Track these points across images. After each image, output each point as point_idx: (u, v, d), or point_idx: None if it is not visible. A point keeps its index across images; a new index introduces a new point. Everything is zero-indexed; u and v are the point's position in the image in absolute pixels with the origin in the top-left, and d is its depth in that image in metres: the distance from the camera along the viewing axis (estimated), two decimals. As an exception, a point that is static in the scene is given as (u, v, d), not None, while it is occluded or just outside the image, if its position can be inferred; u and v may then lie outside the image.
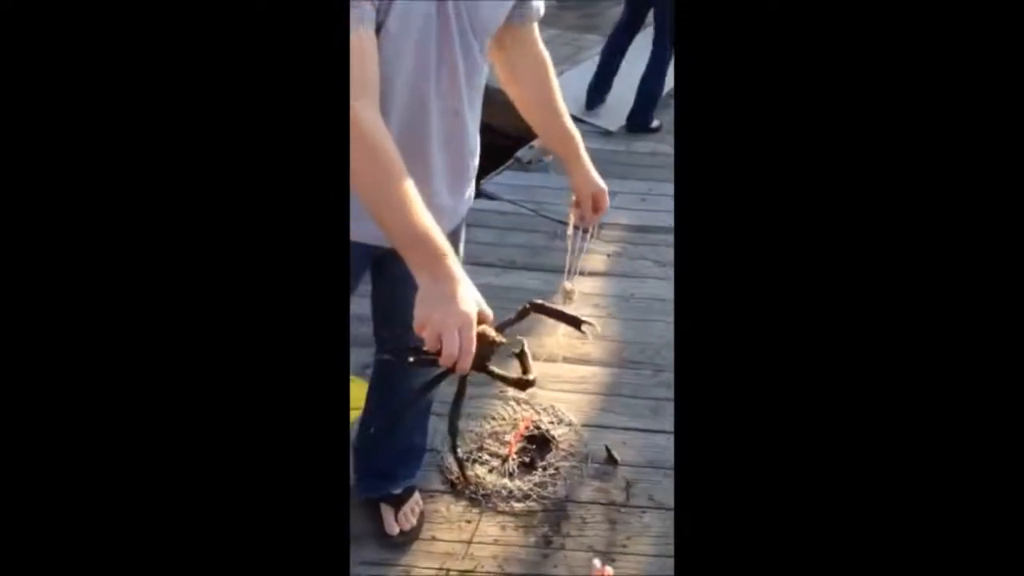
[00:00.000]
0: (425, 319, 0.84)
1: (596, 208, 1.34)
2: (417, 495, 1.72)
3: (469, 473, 1.82)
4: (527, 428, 1.96)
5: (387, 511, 1.67)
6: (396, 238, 0.88)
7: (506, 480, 1.83)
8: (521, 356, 0.94)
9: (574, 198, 1.35)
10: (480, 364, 0.87)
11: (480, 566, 1.62)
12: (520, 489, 1.80)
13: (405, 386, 1.41)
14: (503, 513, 1.75)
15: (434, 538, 1.68)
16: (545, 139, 1.41)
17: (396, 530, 1.66)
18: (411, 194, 0.89)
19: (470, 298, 0.85)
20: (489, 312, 0.89)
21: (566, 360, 2.16)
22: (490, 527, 1.72)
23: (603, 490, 1.82)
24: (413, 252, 0.86)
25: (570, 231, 1.41)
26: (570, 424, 2.00)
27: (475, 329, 0.84)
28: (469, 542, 1.68)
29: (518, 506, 1.76)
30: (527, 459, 1.89)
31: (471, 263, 2.91)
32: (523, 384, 0.90)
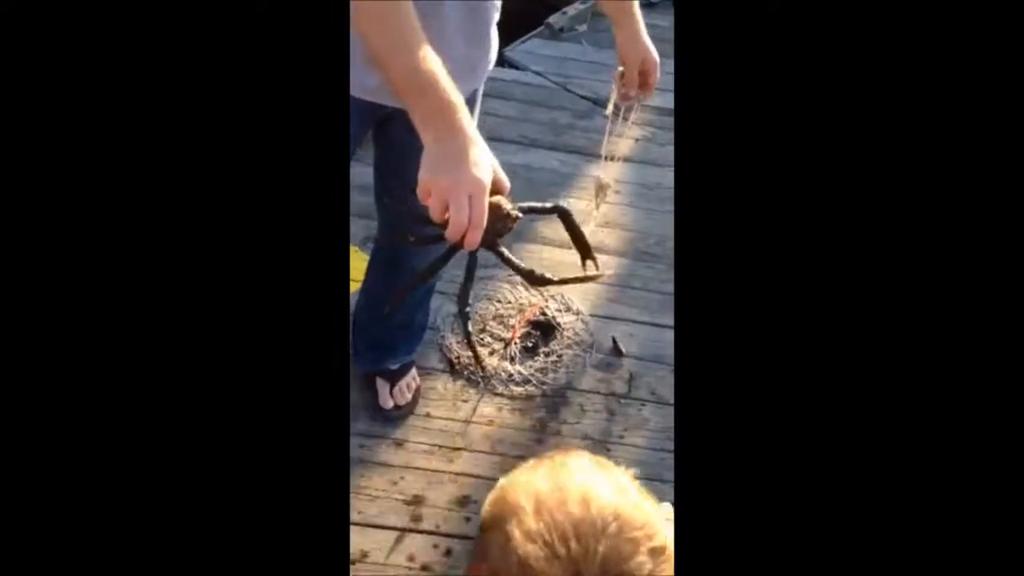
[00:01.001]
0: (430, 184, 0.76)
1: (644, 83, 1.24)
2: (414, 371, 1.73)
3: (484, 362, 1.81)
4: (533, 314, 1.94)
5: (383, 385, 1.68)
6: (398, 82, 0.79)
7: (507, 363, 1.82)
8: (565, 218, 0.84)
9: (620, 69, 1.24)
10: (492, 241, 0.79)
11: (471, 444, 1.65)
12: (520, 373, 1.80)
13: (407, 264, 1.38)
14: (501, 396, 1.76)
15: (428, 415, 1.70)
16: None
17: (391, 404, 1.67)
18: (417, 32, 0.79)
19: (484, 161, 0.77)
20: (506, 181, 0.81)
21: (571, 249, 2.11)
22: (487, 408, 1.73)
23: (605, 380, 1.82)
24: (418, 100, 0.78)
25: (610, 108, 1.29)
26: (577, 313, 1.97)
27: (487, 198, 0.75)
28: (465, 421, 1.70)
29: (517, 390, 1.77)
30: (530, 344, 1.88)
31: (488, 138, 2.80)
32: (537, 280, 0.80)
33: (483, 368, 1.78)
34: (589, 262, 0.87)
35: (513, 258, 0.81)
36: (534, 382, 1.79)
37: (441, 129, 0.78)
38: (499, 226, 0.79)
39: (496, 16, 1.18)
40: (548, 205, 0.88)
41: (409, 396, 1.70)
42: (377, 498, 1.54)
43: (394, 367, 1.69)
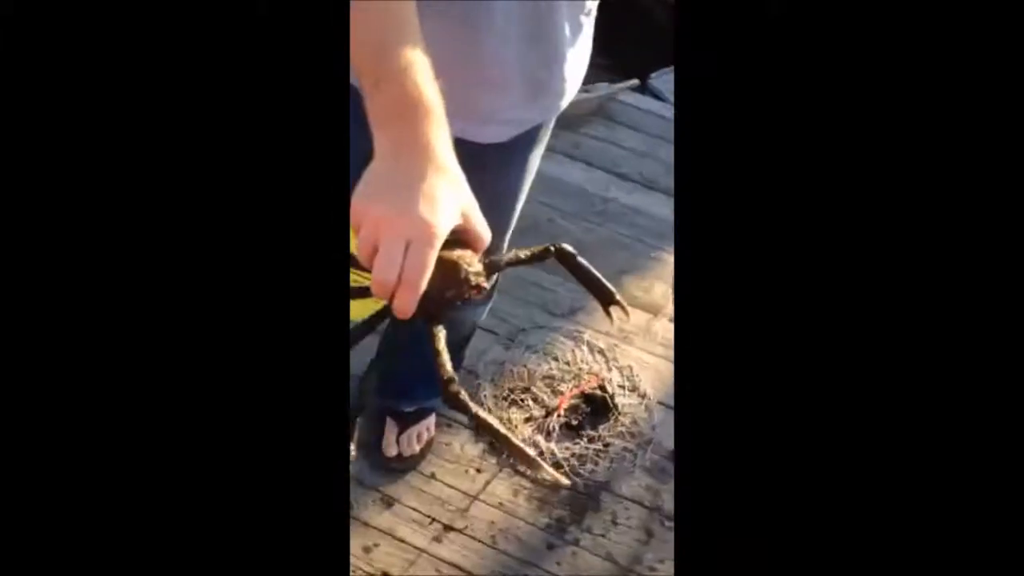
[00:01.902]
0: (360, 211, 0.55)
1: None
2: (431, 420, 1.49)
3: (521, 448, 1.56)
4: (590, 386, 1.66)
5: (391, 428, 1.45)
6: (357, 59, 0.57)
7: (541, 437, 1.55)
8: (567, 261, 0.67)
9: None
10: (435, 311, 0.58)
11: (469, 527, 1.39)
12: (554, 454, 1.53)
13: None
14: (522, 475, 1.49)
15: (433, 476, 1.46)
16: None
17: (394, 452, 1.44)
18: (403, 16, 0.59)
19: (446, 199, 0.55)
20: (484, 232, 0.59)
21: (669, 318, 1.81)
22: (501, 486, 1.47)
23: (653, 491, 1.51)
24: (376, 88, 0.57)
25: None
26: (643, 396, 1.67)
27: (435, 250, 0.54)
28: (472, 496, 1.44)
29: (545, 474, 1.50)
30: (575, 421, 1.60)
31: (605, 170, 2.62)
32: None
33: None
34: (615, 308, 0.70)
35: (443, 352, 0.58)
36: (566, 469, 1.51)
37: (397, 137, 0.56)
38: (449, 293, 0.57)
39: (587, 33, 0.93)
40: (537, 249, 0.66)
41: (417, 448, 1.46)
42: (342, 562, 1.31)
43: (409, 410, 1.46)
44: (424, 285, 0.53)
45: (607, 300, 0.69)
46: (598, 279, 0.68)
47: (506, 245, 1.29)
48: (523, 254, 0.67)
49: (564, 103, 1.03)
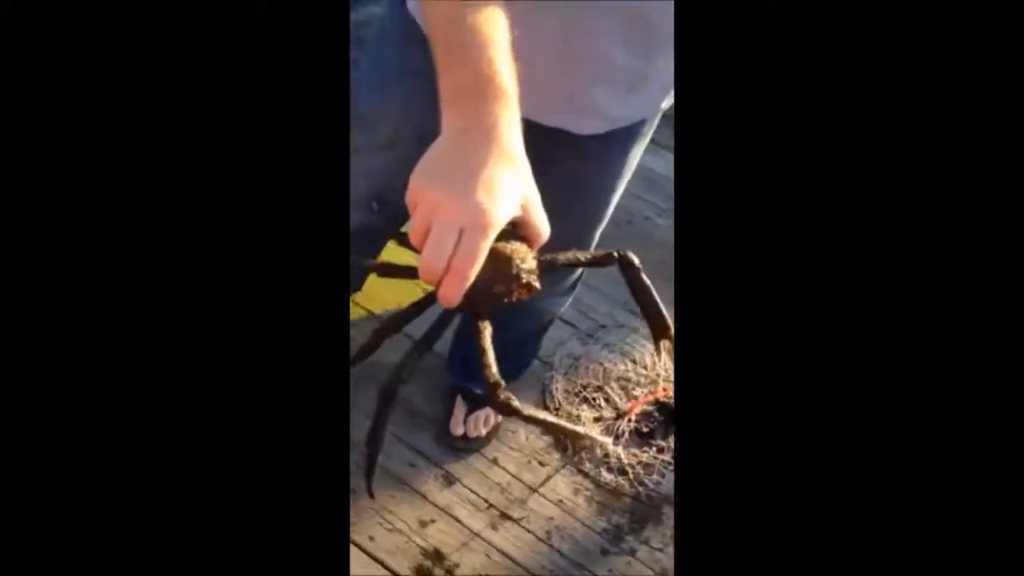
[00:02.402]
0: (417, 191, 0.53)
1: None
2: (501, 405, 1.49)
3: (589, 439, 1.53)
4: (666, 394, 1.62)
5: (460, 407, 1.45)
6: (433, 25, 0.56)
7: (609, 440, 1.53)
8: (629, 271, 0.62)
9: None
10: (481, 306, 0.55)
11: (526, 520, 1.38)
12: (620, 459, 1.50)
13: None
14: (585, 475, 1.47)
15: (495, 461, 1.46)
16: None
17: (460, 431, 1.45)
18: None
19: (506, 188, 0.53)
20: (543, 227, 0.57)
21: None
22: (562, 483, 1.46)
23: (716, 512, 1.48)
24: (454, 64, 0.55)
25: None
26: (719, 414, 1.63)
27: (489, 239, 0.51)
28: (531, 488, 1.43)
29: (607, 477, 1.47)
30: (646, 428, 1.57)
31: None
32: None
33: (583, 444, 1.50)
34: (665, 342, 0.63)
35: (489, 351, 0.55)
36: (631, 476, 1.48)
37: (463, 117, 0.54)
38: (497, 288, 0.55)
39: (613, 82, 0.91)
40: (600, 253, 0.63)
41: (484, 431, 1.46)
42: (396, 532, 1.32)
43: (480, 391, 1.46)
44: (473, 276, 0.51)
45: (659, 331, 0.62)
46: (656, 304, 0.62)
47: (596, 239, 1.27)
48: (583, 256, 0.63)
49: (669, 100, 0.99)
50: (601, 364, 1.66)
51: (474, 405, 1.45)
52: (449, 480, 1.41)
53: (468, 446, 1.45)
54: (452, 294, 0.51)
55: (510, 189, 0.53)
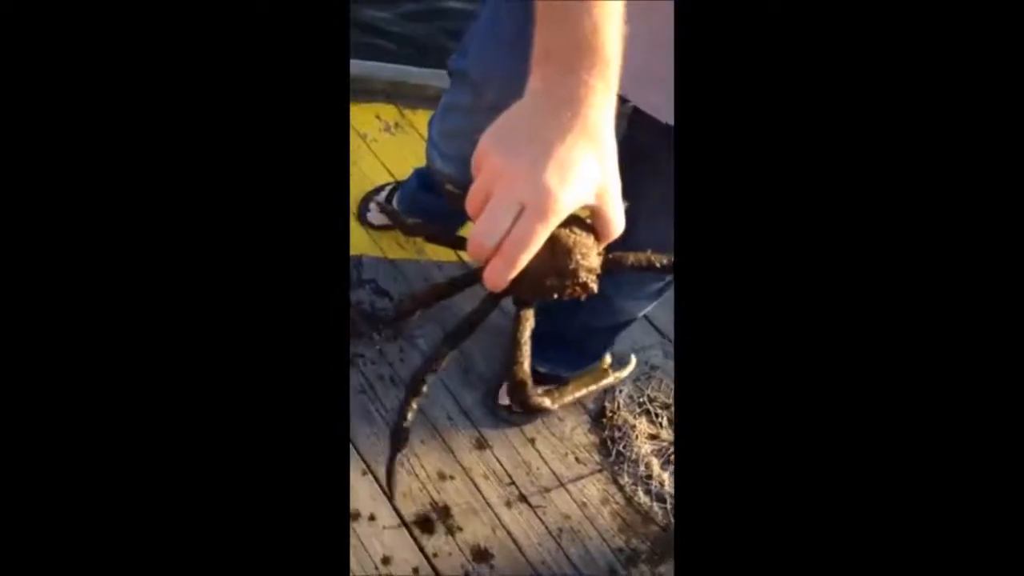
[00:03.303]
0: (483, 154, 0.48)
1: None
2: (556, 389, 1.45)
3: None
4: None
5: (516, 378, 1.43)
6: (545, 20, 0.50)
7: (656, 460, 1.45)
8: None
9: None
10: (527, 296, 0.51)
11: (543, 510, 1.34)
12: (662, 483, 1.43)
13: None
14: (620, 488, 1.41)
15: (532, 442, 1.42)
16: None
17: (506, 402, 1.42)
18: None
19: (581, 169, 0.47)
20: (616, 221, 0.51)
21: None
22: (593, 487, 1.40)
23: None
24: (550, 22, 0.49)
25: None
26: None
27: (549, 224, 0.46)
28: (560, 483, 1.39)
29: (642, 498, 1.41)
30: (701, 464, 1.48)
31: None
32: (524, 399, 0.53)
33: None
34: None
35: (525, 345, 0.51)
36: (668, 506, 1.41)
37: (551, 79, 0.48)
38: (550, 281, 0.50)
39: None
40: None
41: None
42: (413, 475, 1.33)
43: (541, 370, 1.42)
44: (523, 262, 0.46)
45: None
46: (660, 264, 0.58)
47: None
48: (660, 260, 0.57)
49: None
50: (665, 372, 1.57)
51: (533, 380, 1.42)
52: (481, 444, 1.39)
53: (510, 418, 1.42)
54: (498, 278, 0.47)
55: (587, 171, 0.48)
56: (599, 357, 1.43)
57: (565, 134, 0.47)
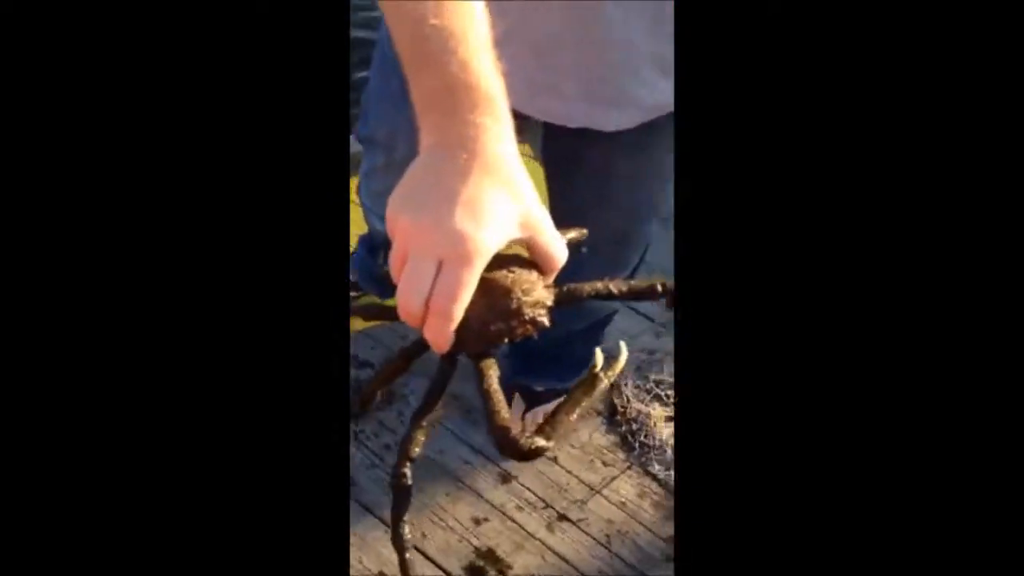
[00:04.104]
0: (392, 219, 0.48)
1: None
2: (562, 402, 1.45)
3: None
4: (747, 391, 1.53)
5: (518, 404, 1.43)
6: (396, 34, 0.50)
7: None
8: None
9: None
10: (480, 348, 0.50)
11: (584, 521, 1.34)
12: (691, 461, 1.43)
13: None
14: (652, 477, 1.41)
15: (556, 460, 1.42)
16: None
17: (517, 429, 1.43)
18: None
19: (498, 205, 0.47)
20: (555, 251, 0.51)
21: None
22: (627, 484, 1.40)
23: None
24: (417, 70, 0.49)
25: None
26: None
27: (474, 269, 0.46)
28: (593, 489, 1.39)
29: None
30: (724, 429, 1.49)
31: None
32: (510, 446, 0.49)
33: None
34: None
35: (496, 393, 0.49)
36: (704, 480, 1.41)
37: (437, 131, 0.48)
38: (495, 327, 0.48)
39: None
40: (642, 284, 0.56)
41: (542, 429, 1.43)
42: (449, 530, 1.32)
43: (539, 389, 1.43)
44: (458, 314, 0.46)
45: None
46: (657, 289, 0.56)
47: (642, 245, 1.20)
48: (618, 288, 0.55)
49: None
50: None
51: (532, 402, 1.43)
52: (505, 478, 1.39)
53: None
54: (438, 337, 0.47)
55: (499, 208, 0.47)
56: (591, 358, 1.44)
57: (466, 177, 0.47)
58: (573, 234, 0.58)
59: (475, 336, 0.48)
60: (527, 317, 0.49)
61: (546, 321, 0.50)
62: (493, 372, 0.51)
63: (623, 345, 0.55)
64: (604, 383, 0.53)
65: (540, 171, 1.15)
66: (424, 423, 0.52)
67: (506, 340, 0.49)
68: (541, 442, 0.49)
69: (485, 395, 0.50)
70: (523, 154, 1.23)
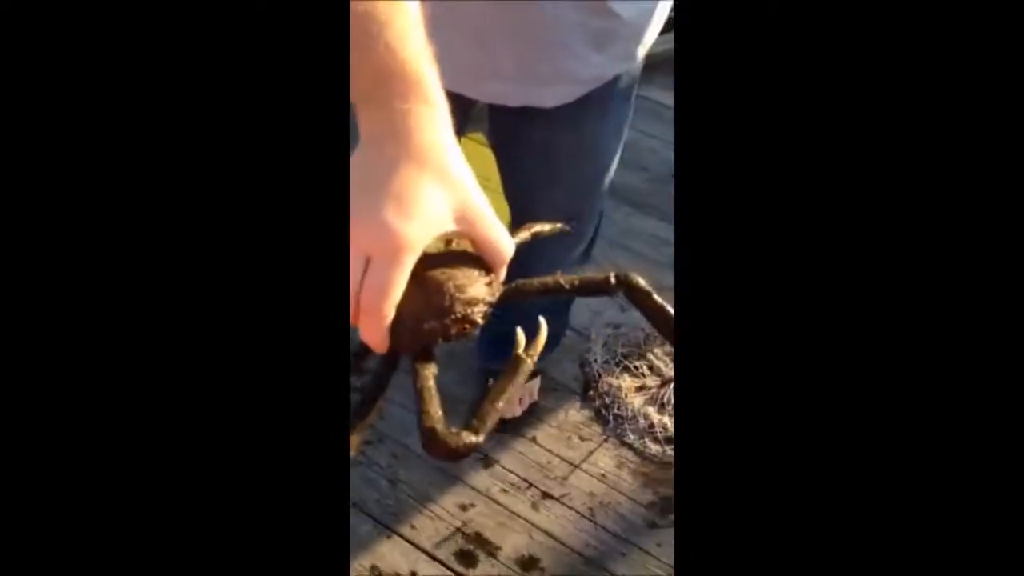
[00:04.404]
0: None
1: None
2: (536, 383, 1.49)
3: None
4: (712, 355, 1.58)
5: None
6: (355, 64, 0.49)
7: (652, 409, 1.50)
8: (633, 291, 0.53)
9: None
10: (415, 347, 0.48)
11: (567, 496, 1.38)
12: (666, 428, 1.48)
13: (538, 255, 1.12)
14: (630, 447, 1.46)
15: (534, 439, 1.46)
16: None
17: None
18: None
19: (429, 197, 0.45)
20: (499, 244, 0.49)
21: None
22: (605, 457, 1.44)
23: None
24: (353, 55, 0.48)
25: None
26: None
27: (403, 265, 0.45)
28: (573, 465, 1.43)
29: (653, 448, 1.45)
30: (693, 394, 1.54)
31: None
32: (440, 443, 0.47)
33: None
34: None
35: (427, 396, 0.47)
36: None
37: (370, 120, 0.47)
38: (428, 325, 0.47)
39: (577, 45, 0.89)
40: (596, 277, 0.53)
41: (519, 411, 1.46)
42: (437, 518, 1.35)
43: (512, 371, 1.46)
44: (389, 312, 0.45)
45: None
46: (669, 320, 0.54)
47: (596, 217, 1.23)
48: (569, 282, 0.53)
49: (641, 51, 0.95)
50: (643, 330, 1.63)
51: (507, 385, 1.46)
52: (487, 462, 1.42)
53: (504, 427, 1.46)
54: (372, 335, 0.46)
55: (431, 199, 0.46)
56: (557, 341, 1.47)
57: (396, 169, 0.45)
58: (532, 231, 0.58)
59: (410, 334, 0.47)
60: (460, 315, 0.47)
61: (480, 319, 0.49)
62: (429, 372, 0.49)
63: (542, 320, 0.54)
64: (527, 363, 0.51)
65: (493, 158, 1.17)
66: (360, 426, 0.49)
67: (441, 339, 0.48)
68: (471, 438, 0.47)
69: (416, 395, 0.48)
70: (477, 142, 1.26)
